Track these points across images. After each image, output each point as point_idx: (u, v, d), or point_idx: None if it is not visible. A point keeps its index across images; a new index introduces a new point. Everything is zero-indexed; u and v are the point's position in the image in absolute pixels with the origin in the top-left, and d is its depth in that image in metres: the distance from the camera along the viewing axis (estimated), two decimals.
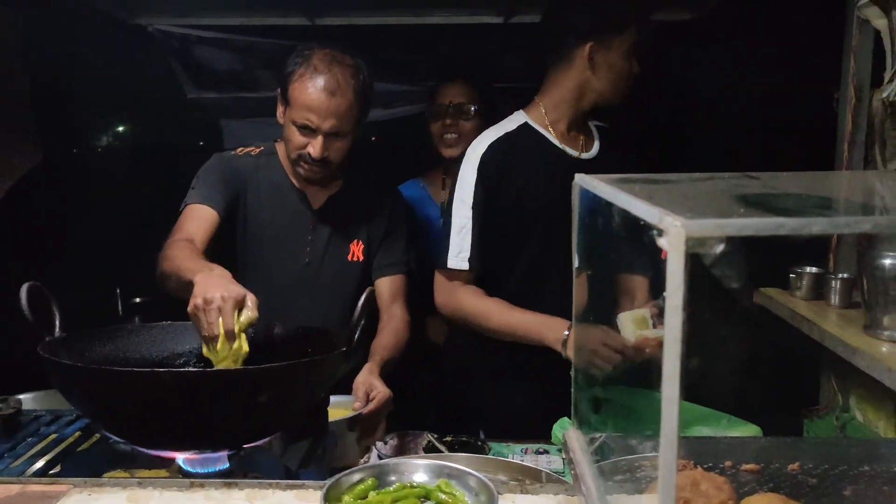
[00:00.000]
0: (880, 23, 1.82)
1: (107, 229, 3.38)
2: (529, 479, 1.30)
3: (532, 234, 1.99)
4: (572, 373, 1.12)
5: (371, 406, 1.66)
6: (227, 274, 1.43)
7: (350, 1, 2.80)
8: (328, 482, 0.98)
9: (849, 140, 1.93)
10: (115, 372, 1.22)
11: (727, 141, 2.60)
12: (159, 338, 1.51)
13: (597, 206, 1.09)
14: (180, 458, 1.27)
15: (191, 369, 1.43)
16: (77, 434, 1.43)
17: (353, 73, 1.82)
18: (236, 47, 3.08)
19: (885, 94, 1.79)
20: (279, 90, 1.88)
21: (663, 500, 0.64)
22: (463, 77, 2.51)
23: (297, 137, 1.83)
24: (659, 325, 1.54)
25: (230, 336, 1.33)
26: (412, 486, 1.01)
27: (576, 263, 1.08)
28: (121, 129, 3.90)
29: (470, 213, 1.94)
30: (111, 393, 1.17)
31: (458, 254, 1.94)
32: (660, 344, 1.45)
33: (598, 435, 1.08)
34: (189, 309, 1.37)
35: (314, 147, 1.81)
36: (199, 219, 1.82)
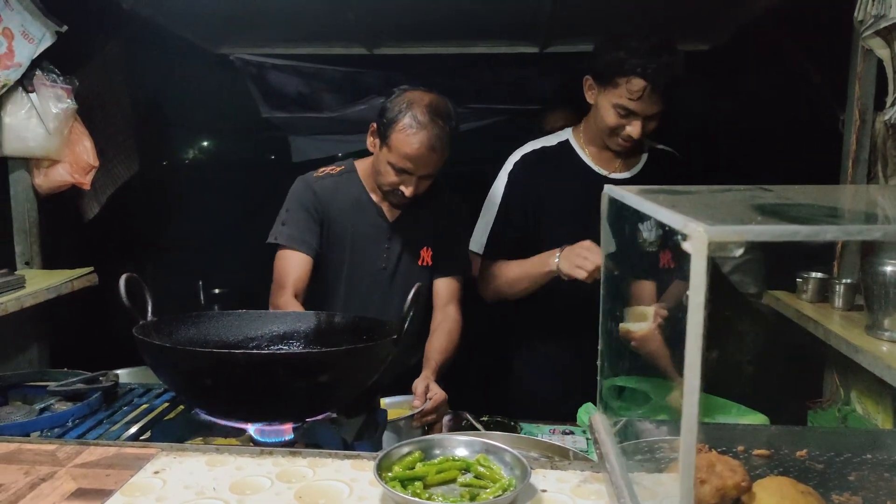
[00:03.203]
0: (883, 52, 1.75)
1: (192, 230, 3.46)
2: (558, 456, 1.27)
3: (552, 235, 1.98)
4: (598, 362, 1.10)
5: (429, 404, 1.67)
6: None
7: (403, 33, 2.82)
8: (380, 453, 0.98)
9: (853, 158, 1.87)
10: (197, 352, 1.24)
11: (742, 159, 2.53)
12: (235, 324, 1.51)
13: (624, 217, 1.07)
14: (251, 428, 1.28)
15: (262, 352, 1.44)
16: (165, 405, 1.45)
17: (448, 122, 1.77)
18: (304, 73, 3.12)
19: (886, 117, 1.73)
20: (376, 126, 1.83)
21: (683, 478, 0.62)
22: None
23: (392, 177, 1.80)
24: (654, 323, 1.51)
25: None
26: (454, 460, 1.00)
27: (603, 268, 1.06)
28: (205, 143, 3.98)
29: (495, 210, 2.03)
30: (193, 370, 1.19)
31: (478, 240, 2.05)
32: (635, 338, 1.41)
33: (620, 418, 1.06)
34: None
35: (408, 189, 1.80)
36: (296, 268, 1.86)
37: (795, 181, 1.04)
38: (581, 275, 1.71)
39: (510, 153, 2.17)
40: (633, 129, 1.83)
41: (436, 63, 2.97)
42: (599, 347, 1.09)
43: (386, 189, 1.86)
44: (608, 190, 1.03)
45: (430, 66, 2.98)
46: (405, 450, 1.00)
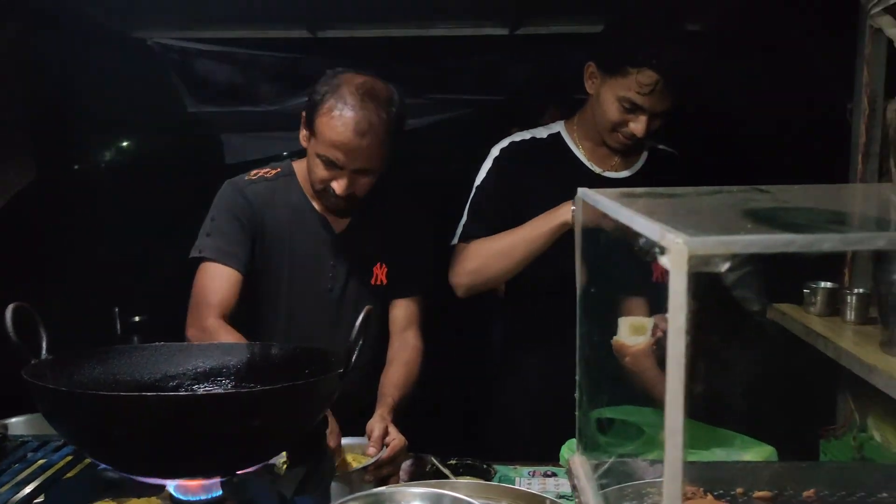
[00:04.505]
0: (893, 32, 1.79)
1: (106, 247, 3.37)
2: None
3: None
4: (577, 394, 1.09)
5: (386, 453, 1.63)
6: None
7: (352, 14, 2.80)
8: None
9: (863, 152, 1.90)
10: (99, 396, 1.19)
11: (738, 154, 2.57)
12: (152, 359, 1.46)
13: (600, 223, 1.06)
14: (171, 485, 1.24)
15: (178, 393, 1.39)
16: (68, 459, 1.40)
17: (386, 108, 1.74)
18: (237, 60, 3.09)
19: None
20: (304, 114, 1.81)
21: None
22: None
23: (322, 171, 1.77)
24: (654, 336, 1.51)
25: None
26: None
27: (579, 279, 1.06)
28: (120, 144, 3.91)
29: (473, 192, 2.04)
30: (96, 418, 1.14)
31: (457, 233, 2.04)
32: (629, 353, 1.41)
33: (604, 459, 1.05)
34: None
35: (339, 185, 1.76)
36: (222, 285, 1.80)
37: (800, 179, 1.05)
38: (607, 223, 1.69)
39: (477, 149, 2.17)
40: (637, 126, 1.84)
41: (390, 47, 2.96)
42: (577, 378, 1.08)
43: (318, 188, 1.83)
44: (581, 193, 1.03)
45: (384, 50, 2.97)
46: None
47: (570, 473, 1.06)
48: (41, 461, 1.39)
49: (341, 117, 1.70)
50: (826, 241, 0.58)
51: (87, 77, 2.97)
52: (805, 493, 0.97)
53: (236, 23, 2.91)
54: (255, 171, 1.96)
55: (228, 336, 1.71)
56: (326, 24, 2.92)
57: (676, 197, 0.91)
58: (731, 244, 0.59)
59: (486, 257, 1.93)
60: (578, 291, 1.06)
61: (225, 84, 3.19)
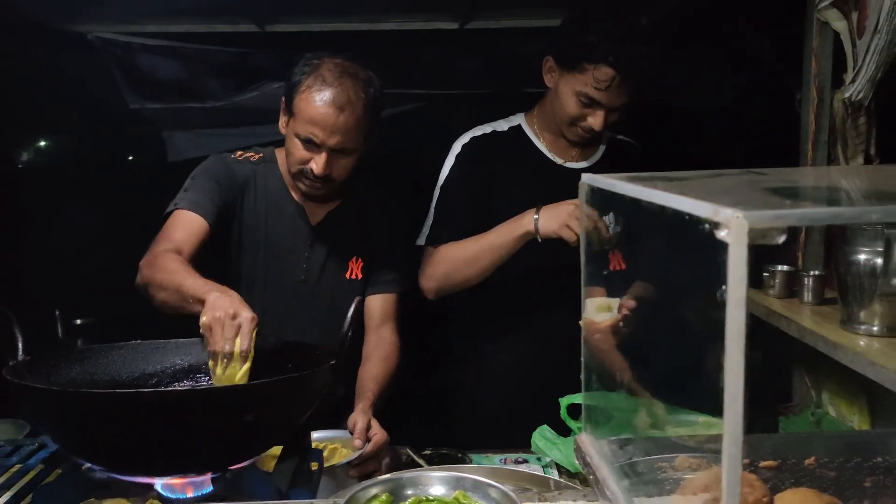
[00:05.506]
0: (840, 25, 1.88)
1: (43, 248, 3.23)
2: (537, 487, 1.28)
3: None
4: (582, 376, 1.11)
5: (369, 447, 1.61)
6: (241, 298, 1.41)
7: (301, 8, 2.75)
8: (344, 498, 0.94)
9: (812, 140, 1.99)
10: (93, 394, 1.15)
11: (689, 143, 2.65)
12: (129, 358, 1.43)
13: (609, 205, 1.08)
14: (159, 483, 1.20)
15: (175, 388, 1.36)
16: (40, 466, 1.34)
17: (364, 87, 1.74)
18: (182, 55, 2.98)
19: (845, 95, 1.85)
20: (283, 99, 1.79)
21: (728, 498, 0.63)
22: None
23: (300, 151, 1.75)
24: (620, 314, 1.55)
25: (244, 357, 1.35)
26: (429, 500, 0.98)
27: (584, 261, 1.08)
28: (57, 143, 3.74)
29: (437, 193, 2.04)
30: (88, 417, 1.10)
31: (425, 232, 2.04)
32: (600, 329, 1.44)
33: (614, 438, 1.07)
34: (205, 320, 1.34)
35: (317, 163, 1.73)
36: (186, 227, 1.73)
37: (751, 166, 1.09)
38: (570, 236, 1.71)
39: (430, 143, 2.17)
40: (595, 120, 1.88)
41: (341, 41, 2.92)
42: (583, 359, 1.10)
43: (295, 171, 1.80)
44: (587, 178, 1.05)
45: (335, 44, 2.92)
46: (372, 492, 0.97)
47: (578, 452, 1.08)
48: (16, 467, 1.32)
49: (319, 92, 1.70)
50: (873, 213, 0.61)
51: (23, 74, 2.84)
52: (807, 461, 1.01)
53: (181, 17, 2.81)
54: (240, 152, 1.93)
55: (175, 263, 1.58)
56: (274, 18, 2.85)
57: (687, 179, 0.94)
58: (787, 217, 0.61)
59: (454, 263, 1.96)
60: (583, 276, 1.08)
61: (169, 80, 3.07)
